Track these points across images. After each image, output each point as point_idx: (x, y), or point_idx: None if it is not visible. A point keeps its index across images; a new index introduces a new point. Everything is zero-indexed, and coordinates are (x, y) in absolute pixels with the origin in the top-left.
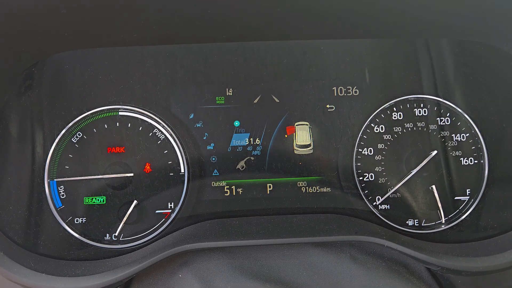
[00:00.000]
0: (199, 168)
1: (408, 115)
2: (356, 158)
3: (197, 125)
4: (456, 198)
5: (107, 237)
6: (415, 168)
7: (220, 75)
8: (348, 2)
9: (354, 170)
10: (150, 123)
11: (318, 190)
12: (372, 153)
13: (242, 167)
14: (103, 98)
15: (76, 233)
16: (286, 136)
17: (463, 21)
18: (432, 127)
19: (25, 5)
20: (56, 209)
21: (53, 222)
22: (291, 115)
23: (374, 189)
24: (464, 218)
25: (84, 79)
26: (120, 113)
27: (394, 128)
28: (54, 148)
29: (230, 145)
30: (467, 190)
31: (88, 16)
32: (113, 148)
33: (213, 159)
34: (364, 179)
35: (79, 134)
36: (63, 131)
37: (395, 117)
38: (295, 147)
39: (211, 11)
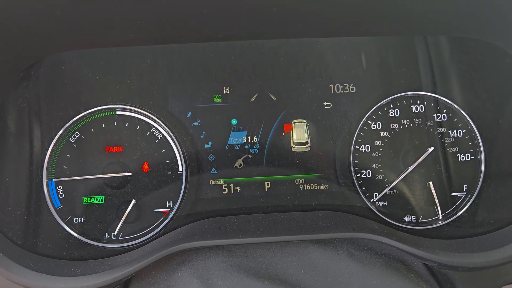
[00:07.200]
0: (197, 167)
1: (405, 112)
2: (354, 155)
3: (195, 124)
4: (453, 194)
5: (106, 236)
6: (412, 164)
7: (217, 73)
8: (345, 0)
9: (352, 167)
10: (148, 122)
11: (315, 187)
12: (369, 150)
13: (240, 165)
14: (100, 98)
15: (75, 232)
16: (283, 134)
17: (460, 19)
18: (429, 123)
19: (21, 6)
20: (55, 209)
21: (52, 222)
22: (288, 113)
23: (372, 185)
24: (461, 214)
25: (81, 79)
26: (118, 113)
27: (391, 124)
28: (52, 148)
29: (228, 143)
30: (464, 186)
31: (84, 17)
32: (111, 147)
33: (211, 157)
34: (362, 176)
35: (76, 134)
36: (61, 131)
37: (392, 113)
38: (292, 145)
39: (207, 11)
